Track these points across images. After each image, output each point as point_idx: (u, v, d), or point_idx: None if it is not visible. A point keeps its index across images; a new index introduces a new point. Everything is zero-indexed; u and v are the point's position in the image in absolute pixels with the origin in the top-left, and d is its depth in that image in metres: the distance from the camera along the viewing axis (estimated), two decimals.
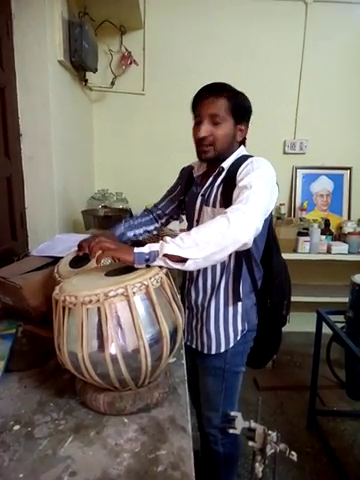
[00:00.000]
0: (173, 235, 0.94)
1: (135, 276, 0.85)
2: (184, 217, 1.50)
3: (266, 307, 1.35)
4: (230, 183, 1.16)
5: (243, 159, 1.19)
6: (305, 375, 2.46)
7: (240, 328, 1.30)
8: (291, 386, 2.55)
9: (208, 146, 1.20)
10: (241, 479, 1.75)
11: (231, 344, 1.30)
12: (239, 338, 1.31)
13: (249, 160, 1.15)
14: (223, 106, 1.17)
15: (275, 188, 1.14)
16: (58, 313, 0.84)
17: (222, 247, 0.91)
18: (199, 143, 1.21)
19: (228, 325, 1.29)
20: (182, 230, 2.18)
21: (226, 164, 1.23)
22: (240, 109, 1.20)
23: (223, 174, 1.24)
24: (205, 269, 1.29)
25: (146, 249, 0.89)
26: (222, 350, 1.31)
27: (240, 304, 1.28)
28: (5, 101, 1.72)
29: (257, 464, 1.10)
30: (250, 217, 0.96)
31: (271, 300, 1.35)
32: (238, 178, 1.12)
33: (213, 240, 0.90)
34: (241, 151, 1.27)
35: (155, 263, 0.89)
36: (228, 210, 0.98)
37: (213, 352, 1.31)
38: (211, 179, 1.27)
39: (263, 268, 1.34)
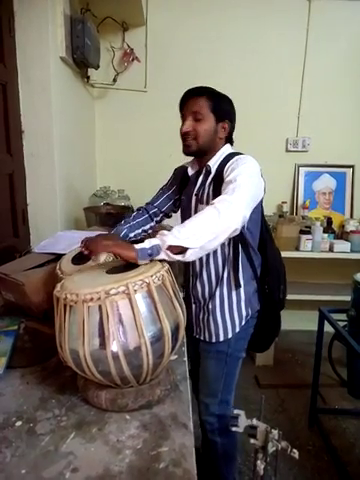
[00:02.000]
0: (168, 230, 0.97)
1: (136, 274, 0.84)
2: (178, 215, 1.54)
3: (265, 292, 1.43)
4: (219, 180, 1.24)
5: (230, 157, 1.27)
6: (307, 373, 2.46)
7: (244, 314, 1.37)
8: (292, 384, 2.55)
9: (191, 140, 1.30)
10: (242, 476, 1.75)
11: (237, 329, 1.36)
12: (244, 323, 1.37)
13: (234, 158, 1.24)
14: (204, 104, 1.27)
15: (261, 181, 1.22)
16: (59, 311, 0.84)
17: (216, 235, 0.99)
18: (183, 138, 1.32)
19: (233, 311, 1.36)
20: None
21: (212, 162, 1.32)
22: (220, 109, 1.29)
23: (213, 173, 1.31)
24: (207, 262, 1.35)
25: (147, 244, 0.92)
26: (229, 336, 1.36)
27: (243, 290, 1.35)
28: (7, 98, 1.72)
29: (259, 462, 1.10)
30: (236, 206, 1.04)
31: (269, 285, 1.43)
32: (225, 174, 1.21)
33: (208, 229, 0.98)
34: (227, 150, 1.34)
35: (158, 257, 0.92)
36: (215, 201, 1.05)
37: (221, 339, 1.37)
38: (201, 178, 1.36)
39: (261, 255, 1.41)
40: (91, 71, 2.52)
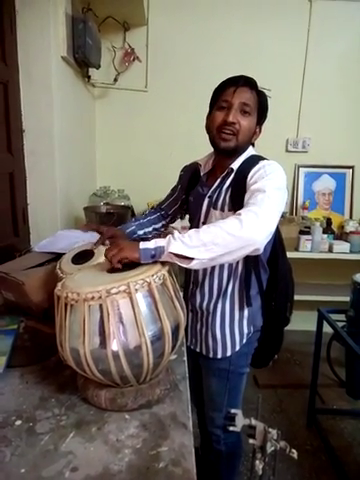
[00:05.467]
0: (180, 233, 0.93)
1: (137, 273, 0.85)
2: (187, 216, 1.48)
3: (270, 309, 1.32)
4: (240, 186, 1.12)
5: (253, 160, 1.15)
6: (305, 373, 2.47)
7: (246, 331, 1.29)
8: (291, 384, 2.55)
9: (232, 135, 1.14)
10: (241, 476, 1.75)
11: (237, 347, 1.28)
12: (245, 341, 1.29)
13: (261, 164, 1.11)
14: (254, 99, 1.15)
15: (286, 193, 1.10)
16: (60, 309, 0.84)
17: (231, 250, 0.89)
18: (221, 129, 1.15)
19: (234, 329, 1.27)
20: (184, 228, 2.17)
21: (235, 165, 1.19)
22: (263, 109, 1.19)
23: (232, 176, 1.19)
24: (212, 273, 1.26)
25: (152, 244, 0.89)
26: (228, 354, 1.28)
27: (247, 307, 1.26)
28: (8, 96, 1.72)
29: (257, 461, 1.10)
30: (264, 221, 0.93)
31: (276, 303, 1.32)
32: (250, 182, 1.08)
33: (222, 242, 0.88)
34: (250, 151, 1.23)
35: (161, 259, 0.90)
36: (242, 211, 0.94)
37: (219, 356, 1.29)
38: (219, 180, 1.22)
39: (269, 270, 1.30)
40: (92, 71, 2.52)
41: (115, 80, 2.78)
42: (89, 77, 2.50)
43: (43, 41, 1.80)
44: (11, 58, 1.73)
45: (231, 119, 1.12)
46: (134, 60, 2.76)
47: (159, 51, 2.83)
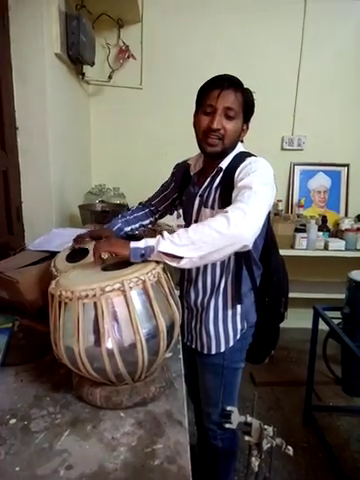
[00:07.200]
0: (169, 230, 0.93)
1: (132, 271, 0.84)
2: (181, 211, 1.48)
3: (264, 305, 1.34)
4: (228, 184, 1.13)
5: (240, 158, 1.16)
6: (301, 371, 2.47)
7: (239, 327, 1.30)
8: (287, 382, 2.56)
9: (217, 139, 1.15)
10: (237, 473, 1.76)
11: (231, 343, 1.30)
12: (238, 336, 1.30)
13: (247, 161, 1.12)
14: (239, 101, 1.13)
15: (273, 188, 1.09)
16: (54, 307, 0.83)
17: (219, 247, 0.90)
18: (207, 134, 1.15)
19: (227, 325, 1.29)
20: (179, 226, 2.17)
21: (224, 164, 1.20)
22: (250, 107, 1.19)
23: (221, 174, 1.20)
24: (205, 270, 1.28)
25: (142, 244, 0.90)
26: (222, 350, 1.30)
27: (239, 304, 1.27)
28: (1, 94, 1.70)
29: (253, 458, 1.10)
30: (251, 218, 0.93)
31: (269, 298, 1.33)
32: (237, 179, 1.09)
33: (210, 240, 0.88)
34: (238, 148, 1.23)
35: (151, 258, 0.90)
36: (229, 209, 0.94)
37: (213, 352, 1.30)
38: (209, 179, 1.24)
39: (262, 266, 1.31)
40: (86, 68, 2.51)
41: (109, 77, 2.77)
42: (83, 74, 2.49)
43: (36, 38, 1.78)
44: (4, 55, 1.72)
45: (216, 126, 1.12)
46: (129, 57, 2.75)
47: (154, 48, 2.82)
